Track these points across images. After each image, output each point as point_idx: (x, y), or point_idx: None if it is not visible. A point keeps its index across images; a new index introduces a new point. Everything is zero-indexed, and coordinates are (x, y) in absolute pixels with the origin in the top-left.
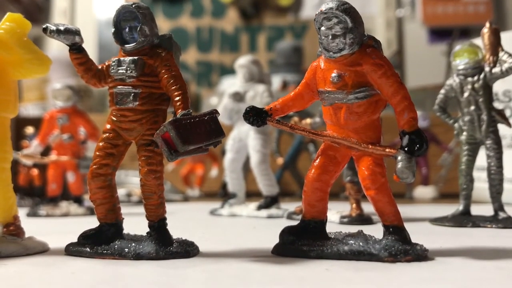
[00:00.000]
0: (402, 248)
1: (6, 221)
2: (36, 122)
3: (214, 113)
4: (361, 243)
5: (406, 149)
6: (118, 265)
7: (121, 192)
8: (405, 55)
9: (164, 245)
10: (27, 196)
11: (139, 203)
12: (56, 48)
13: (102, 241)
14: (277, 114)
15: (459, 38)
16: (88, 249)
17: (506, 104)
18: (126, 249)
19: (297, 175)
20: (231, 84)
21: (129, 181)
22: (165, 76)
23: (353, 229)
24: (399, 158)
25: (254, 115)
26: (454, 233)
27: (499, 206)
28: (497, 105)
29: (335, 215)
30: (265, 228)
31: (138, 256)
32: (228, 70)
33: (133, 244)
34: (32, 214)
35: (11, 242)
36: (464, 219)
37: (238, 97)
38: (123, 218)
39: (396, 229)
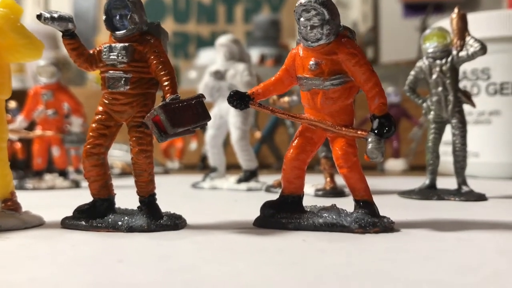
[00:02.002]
0: (371, 221)
1: (4, 197)
2: (17, 95)
3: (200, 97)
4: (334, 216)
5: (376, 131)
6: (113, 237)
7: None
8: (380, 29)
9: (154, 219)
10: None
11: (120, 175)
12: (32, 21)
13: (96, 215)
14: (258, 98)
15: (434, 12)
16: (83, 223)
17: (473, 81)
18: (120, 223)
19: (274, 148)
20: (211, 62)
21: (110, 153)
22: (154, 62)
23: (327, 201)
24: (369, 139)
25: (237, 99)
26: (420, 206)
27: (462, 181)
28: (465, 83)
29: (310, 188)
30: (245, 201)
31: (130, 229)
32: (205, 42)
33: (126, 217)
34: (19, 187)
35: (10, 216)
36: (430, 192)
37: (219, 75)
38: (115, 194)
39: (365, 203)
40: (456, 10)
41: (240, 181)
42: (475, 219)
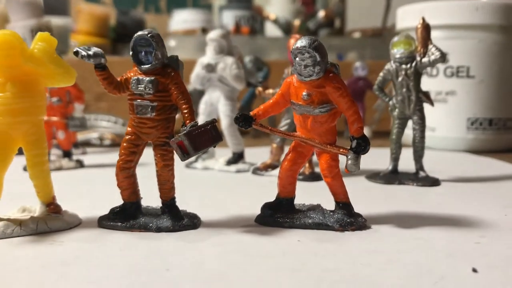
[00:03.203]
0: (348, 221)
1: (48, 201)
2: None
3: (214, 122)
4: (320, 217)
5: (354, 150)
6: (150, 239)
7: (93, 136)
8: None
9: (177, 220)
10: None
11: (111, 146)
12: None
13: (128, 216)
14: (259, 118)
15: None
16: (119, 224)
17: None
18: (150, 224)
19: None
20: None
21: (99, 124)
22: (175, 92)
23: (307, 185)
24: (349, 156)
25: (242, 120)
26: (383, 192)
27: (420, 167)
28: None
29: None
30: (237, 185)
31: (159, 230)
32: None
33: (154, 219)
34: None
35: (55, 219)
36: (392, 177)
37: (210, 68)
38: (141, 197)
39: (344, 205)
40: (421, 20)
41: (229, 162)
42: (429, 212)
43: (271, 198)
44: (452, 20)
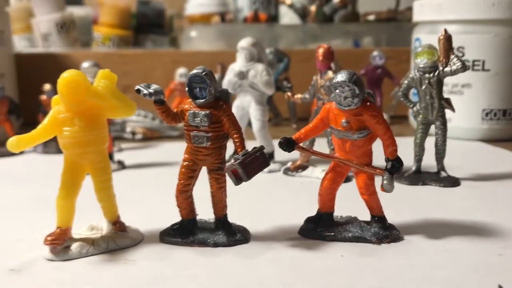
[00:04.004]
0: (384, 234)
1: (114, 220)
2: (35, 59)
3: (262, 149)
4: (359, 231)
5: (389, 171)
6: (209, 256)
7: (126, 130)
8: None
9: (231, 235)
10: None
11: (142, 140)
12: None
13: (186, 232)
14: (300, 141)
15: None
16: (180, 239)
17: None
18: (208, 240)
19: (273, 106)
20: (234, 63)
21: (129, 119)
22: (227, 123)
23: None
24: (384, 177)
25: (286, 144)
26: (409, 194)
27: (441, 167)
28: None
29: (322, 173)
30: (270, 187)
31: (216, 245)
32: None
33: (210, 235)
34: None
35: (122, 237)
36: (416, 178)
37: (242, 75)
38: (197, 214)
39: (380, 219)
40: (443, 32)
41: None
42: (452, 218)
43: (305, 201)
44: (468, 15)
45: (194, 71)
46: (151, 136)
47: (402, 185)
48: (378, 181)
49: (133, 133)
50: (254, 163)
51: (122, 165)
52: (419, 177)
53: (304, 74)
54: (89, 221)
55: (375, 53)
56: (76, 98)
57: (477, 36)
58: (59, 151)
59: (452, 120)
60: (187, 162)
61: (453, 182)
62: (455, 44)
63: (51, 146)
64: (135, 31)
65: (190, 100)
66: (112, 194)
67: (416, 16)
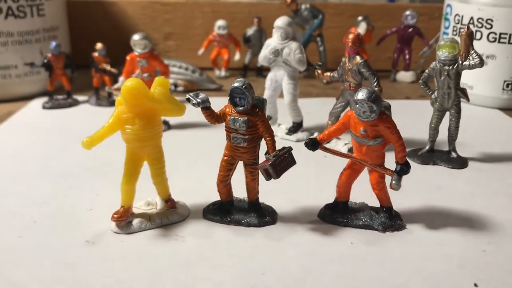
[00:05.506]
0: (389, 223)
1: (166, 198)
2: (85, 6)
3: (290, 150)
4: (368, 220)
5: (398, 173)
6: (244, 236)
7: None
8: None
9: (261, 217)
10: (102, 96)
11: (184, 92)
12: None
13: (225, 212)
14: (324, 142)
15: None
16: (218, 217)
17: (478, 28)
18: (242, 220)
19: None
20: (270, 39)
21: (171, 71)
22: (261, 127)
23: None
24: (393, 177)
25: (311, 144)
26: (417, 175)
27: (453, 148)
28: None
29: (344, 147)
30: (296, 158)
31: (248, 225)
32: None
33: (245, 216)
34: None
35: (173, 213)
36: (428, 157)
37: (277, 53)
38: (234, 198)
39: (387, 209)
40: (466, 28)
41: (290, 131)
42: (452, 207)
43: (328, 176)
44: None
45: (235, 84)
46: (191, 88)
47: (414, 163)
48: (387, 179)
49: (175, 85)
50: (282, 163)
51: (168, 126)
52: (431, 156)
53: (337, 27)
54: (146, 197)
55: (407, 12)
56: (137, 101)
57: (507, 10)
58: (111, 104)
59: (474, 88)
60: (226, 157)
61: (462, 164)
62: (484, 15)
63: (103, 99)
64: None
65: (230, 104)
66: (165, 178)
67: None
